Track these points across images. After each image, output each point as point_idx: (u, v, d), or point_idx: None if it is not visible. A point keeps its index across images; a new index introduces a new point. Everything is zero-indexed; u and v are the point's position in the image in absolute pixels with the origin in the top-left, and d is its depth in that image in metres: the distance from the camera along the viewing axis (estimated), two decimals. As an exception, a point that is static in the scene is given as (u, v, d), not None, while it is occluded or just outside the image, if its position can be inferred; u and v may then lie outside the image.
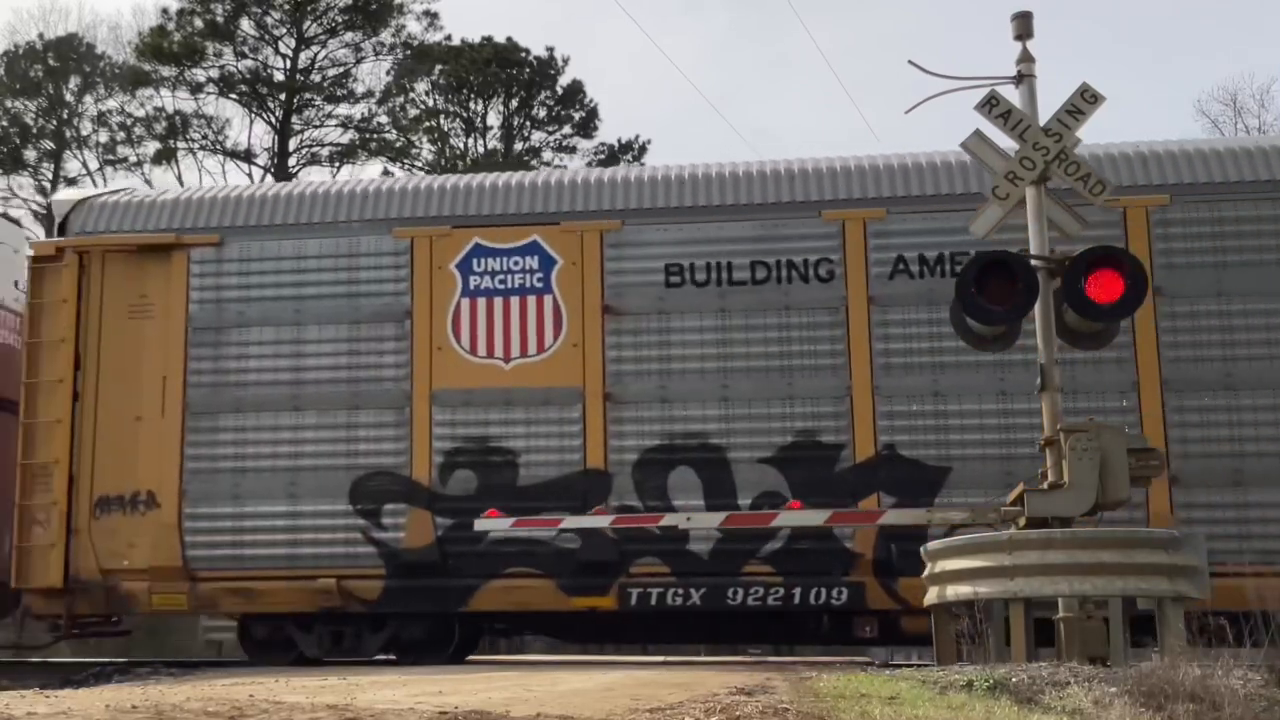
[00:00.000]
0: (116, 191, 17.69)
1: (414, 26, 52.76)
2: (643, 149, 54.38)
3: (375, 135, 54.22)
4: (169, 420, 16.18)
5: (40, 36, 53.62)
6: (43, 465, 16.22)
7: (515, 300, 15.87)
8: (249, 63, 51.08)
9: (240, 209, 16.72)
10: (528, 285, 15.88)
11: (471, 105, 54.58)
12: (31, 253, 16.91)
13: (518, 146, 54.60)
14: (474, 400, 15.79)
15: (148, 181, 52.32)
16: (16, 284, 18.22)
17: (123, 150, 52.70)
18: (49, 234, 17.61)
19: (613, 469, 15.41)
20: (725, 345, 15.50)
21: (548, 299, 15.81)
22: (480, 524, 14.69)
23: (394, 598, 15.66)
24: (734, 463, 15.25)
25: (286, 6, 50.79)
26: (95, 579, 16.05)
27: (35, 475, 16.24)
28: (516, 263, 15.94)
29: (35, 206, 48.44)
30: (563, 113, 54.73)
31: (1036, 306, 11.84)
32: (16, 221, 18.77)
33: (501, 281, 15.92)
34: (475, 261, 16.00)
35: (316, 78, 52.56)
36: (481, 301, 15.93)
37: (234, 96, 51.59)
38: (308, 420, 16.04)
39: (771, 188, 15.91)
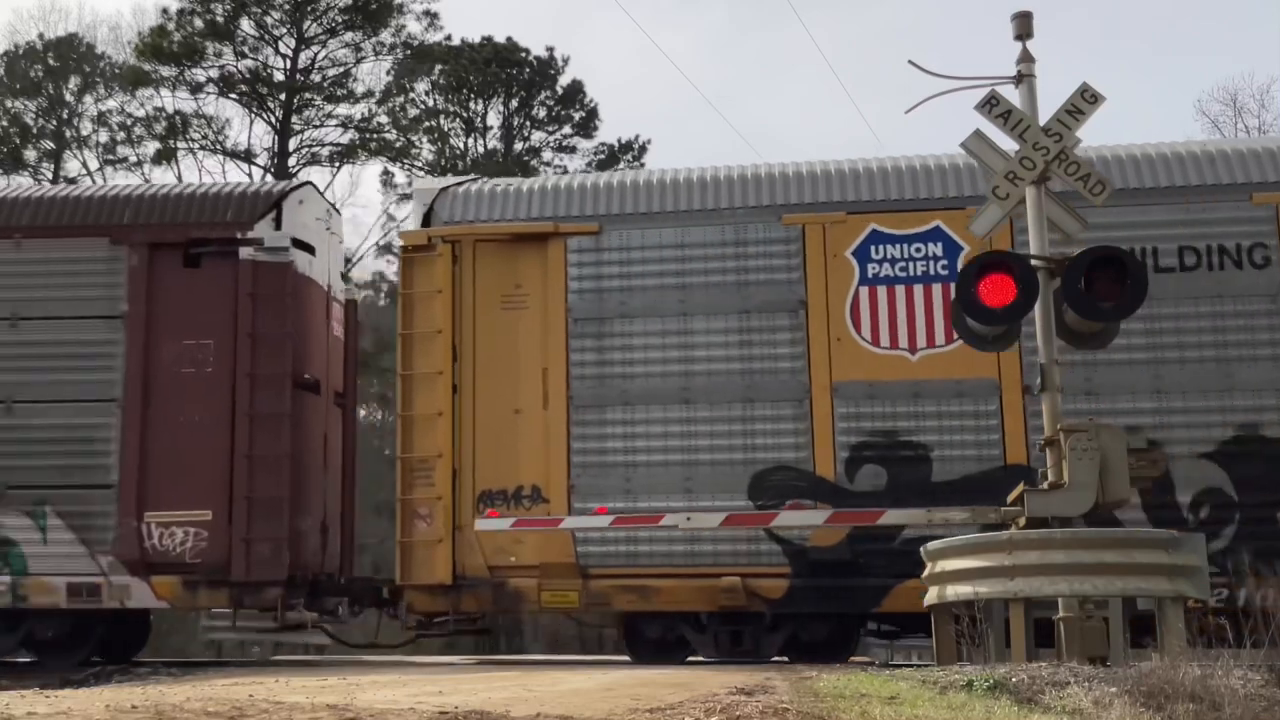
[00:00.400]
0: (476, 179, 16.95)
1: (414, 26, 52.42)
2: (643, 148, 54.20)
3: (375, 135, 53.53)
4: (552, 413, 15.57)
5: (40, 36, 53.35)
6: (422, 459, 15.57)
7: (919, 289, 15.36)
8: (249, 63, 50.30)
9: (618, 197, 16.13)
10: (932, 273, 15.37)
11: (471, 105, 54.11)
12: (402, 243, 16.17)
13: (518, 146, 54.19)
14: (879, 393, 15.23)
15: (146, 181, 51.14)
16: (344, 276, 17.44)
17: (123, 150, 51.94)
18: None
19: (1036, 465, 14.71)
20: (1154, 335, 14.88)
21: (955, 287, 15.23)
22: (481, 524, 14.61)
23: (800, 597, 15.07)
24: (1171, 458, 14.34)
25: (286, 6, 50.00)
26: (483, 576, 15.42)
27: (414, 469, 15.56)
28: (918, 249, 15.42)
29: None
30: (563, 113, 54.38)
31: (1036, 306, 11.79)
32: (338, 210, 17.84)
33: (903, 269, 15.40)
34: (873, 248, 15.46)
35: (316, 78, 51.89)
36: (882, 290, 15.39)
37: (234, 96, 50.76)
38: (700, 413, 15.45)
39: (1194, 170, 15.35)
